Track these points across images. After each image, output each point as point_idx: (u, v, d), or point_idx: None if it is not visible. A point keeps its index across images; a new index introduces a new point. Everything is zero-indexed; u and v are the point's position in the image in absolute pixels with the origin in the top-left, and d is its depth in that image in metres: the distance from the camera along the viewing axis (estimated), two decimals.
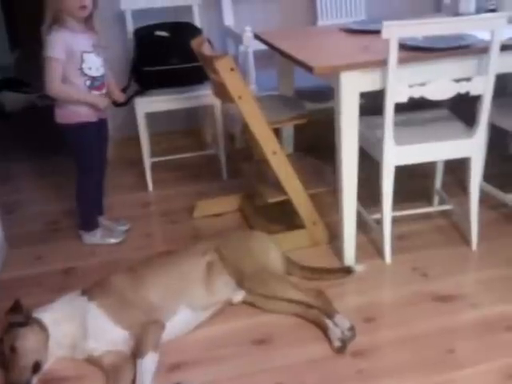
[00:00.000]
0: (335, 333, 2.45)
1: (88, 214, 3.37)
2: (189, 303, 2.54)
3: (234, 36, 4.22)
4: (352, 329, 2.46)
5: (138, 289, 2.50)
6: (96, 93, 3.10)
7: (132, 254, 3.22)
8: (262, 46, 3.40)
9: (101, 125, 3.24)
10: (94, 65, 3.05)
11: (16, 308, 2.41)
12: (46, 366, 2.38)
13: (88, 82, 3.05)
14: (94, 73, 3.06)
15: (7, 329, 2.37)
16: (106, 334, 2.38)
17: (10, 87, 6.17)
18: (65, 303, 2.50)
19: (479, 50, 2.69)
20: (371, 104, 2.83)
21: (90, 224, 3.37)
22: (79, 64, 3.00)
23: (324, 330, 2.50)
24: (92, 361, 2.40)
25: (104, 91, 3.16)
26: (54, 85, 2.97)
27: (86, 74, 3.03)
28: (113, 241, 3.38)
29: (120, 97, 3.39)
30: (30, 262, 3.24)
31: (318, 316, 2.55)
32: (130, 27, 4.15)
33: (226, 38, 4.55)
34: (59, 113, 3.11)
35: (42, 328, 2.37)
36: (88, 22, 3.05)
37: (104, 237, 3.38)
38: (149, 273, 2.58)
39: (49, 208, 3.74)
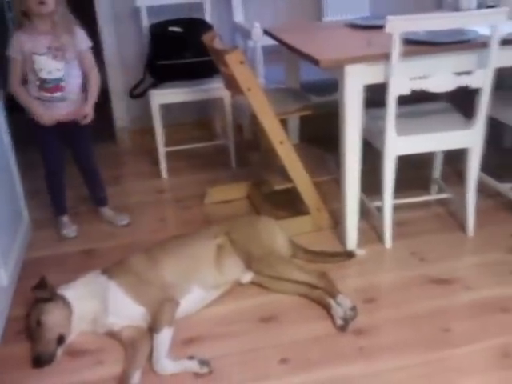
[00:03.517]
0: (338, 312, 2.53)
1: (52, 201, 3.46)
2: (201, 282, 2.64)
3: (244, 31, 4.24)
4: (354, 308, 2.54)
5: (154, 268, 2.60)
6: (47, 95, 3.07)
7: (147, 236, 3.31)
8: (270, 42, 3.44)
9: (61, 126, 3.16)
10: (46, 67, 3.03)
11: (41, 285, 2.52)
12: (70, 339, 2.49)
13: (37, 83, 3.06)
14: (45, 75, 3.04)
15: (33, 304, 2.50)
16: (125, 310, 2.49)
17: None
18: (86, 281, 2.61)
19: (479, 44, 2.72)
20: (374, 98, 2.87)
21: (55, 209, 3.48)
22: (32, 64, 3.02)
23: (327, 309, 2.59)
24: (112, 335, 2.51)
25: (58, 94, 3.09)
26: (12, 83, 3.06)
27: (36, 75, 3.04)
28: (65, 233, 3.43)
29: (85, 112, 3.17)
30: (53, 244, 3.36)
31: (321, 296, 2.64)
32: (145, 23, 4.19)
33: (236, 33, 4.58)
34: None
35: (66, 304, 2.48)
36: (53, 23, 3.01)
37: (63, 227, 3.45)
38: (164, 254, 2.68)
39: (68, 193, 3.72)
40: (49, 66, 3.04)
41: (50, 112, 3.11)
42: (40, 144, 3.23)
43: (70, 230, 3.44)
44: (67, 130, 3.19)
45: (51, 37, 3.02)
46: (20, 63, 3.03)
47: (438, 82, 2.76)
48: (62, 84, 3.09)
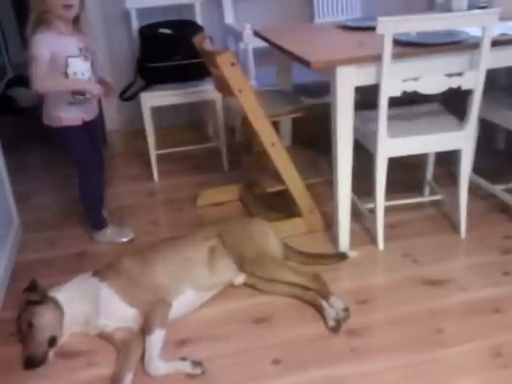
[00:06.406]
0: (330, 313, 2.54)
1: (95, 213, 3.32)
2: (193, 284, 2.63)
3: (235, 33, 4.28)
4: (346, 309, 2.55)
5: (146, 270, 2.59)
6: (80, 98, 2.97)
7: (139, 239, 3.31)
8: (262, 44, 3.43)
9: (89, 126, 3.11)
10: (80, 69, 2.91)
11: (32, 287, 2.54)
12: (62, 341, 2.49)
13: None
14: (79, 78, 2.93)
15: (24, 306, 2.48)
16: (117, 311, 2.48)
17: (22, 84, 6.21)
18: (78, 283, 2.60)
19: (471, 45, 2.73)
20: (366, 100, 2.87)
21: (98, 223, 3.33)
22: (63, 68, 2.85)
23: (320, 311, 2.59)
24: (104, 336, 2.51)
25: (88, 96, 2.96)
26: (41, 80, 2.75)
27: (69, 79, 2.91)
28: (124, 240, 3.32)
29: (113, 86, 3.21)
30: (44, 247, 3.34)
31: (314, 297, 2.64)
32: (135, 25, 4.20)
33: (227, 35, 4.60)
34: (44, 115, 3.04)
35: (57, 306, 2.48)
36: (76, 25, 2.90)
37: (113, 235, 3.33)
38: (156, 256, 2.67)
39: (59, 196, 3.82)
40: (81, 68, 2.93)
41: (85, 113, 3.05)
42: (71, 147, 3.09)
43: (123, 234, 3.36)
44: (90, 128, 3.12)
45: (77, 37, 2.91)
46: (47, 62, 2.77)
47: (430, 84, 2.76)
48: (92, 83, 3.02)
